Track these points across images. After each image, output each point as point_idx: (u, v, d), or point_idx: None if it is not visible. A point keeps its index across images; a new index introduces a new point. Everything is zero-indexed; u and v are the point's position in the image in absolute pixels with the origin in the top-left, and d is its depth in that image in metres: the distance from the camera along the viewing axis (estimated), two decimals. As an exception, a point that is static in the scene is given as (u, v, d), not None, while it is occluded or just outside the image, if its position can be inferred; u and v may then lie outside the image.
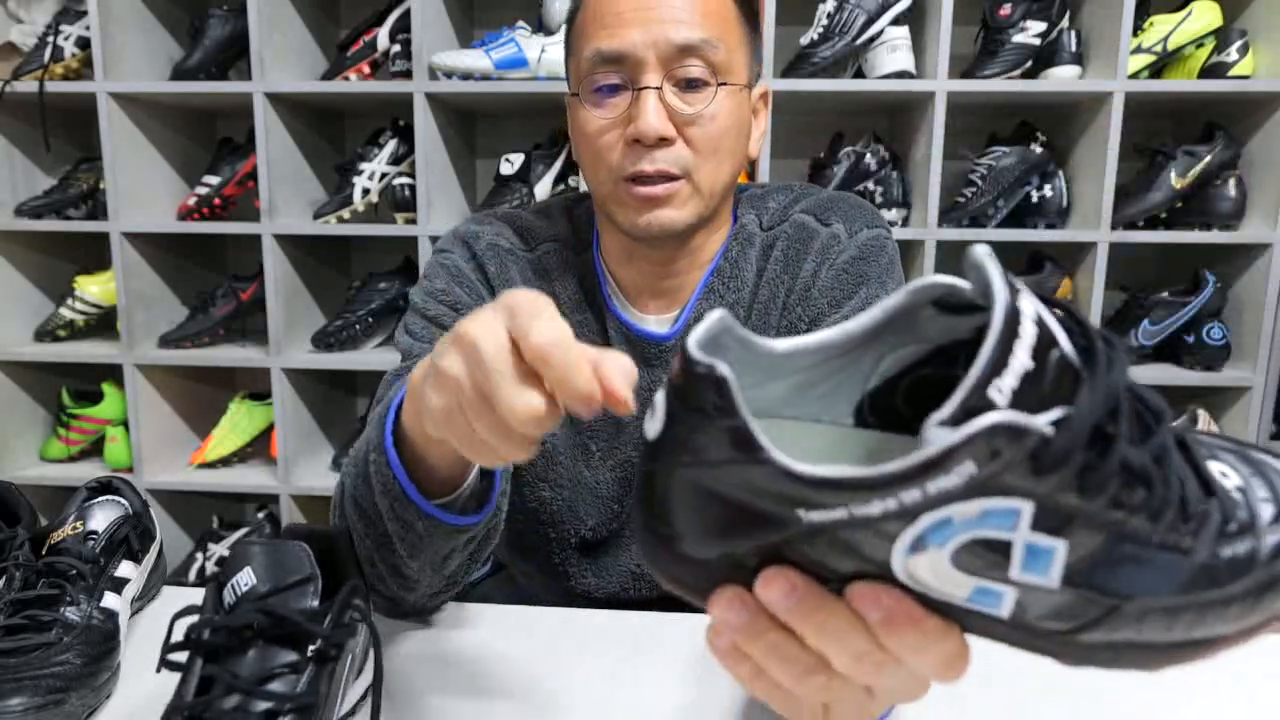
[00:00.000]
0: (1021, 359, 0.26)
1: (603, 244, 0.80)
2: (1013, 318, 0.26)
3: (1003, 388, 0.26)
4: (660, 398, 0.30)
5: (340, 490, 0.63)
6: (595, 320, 0.79)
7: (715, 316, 0.30)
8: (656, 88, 0.68)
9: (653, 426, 0.31)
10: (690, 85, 0.69)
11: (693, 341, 0.29)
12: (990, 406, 0.26)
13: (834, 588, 0.31)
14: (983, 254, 0.28)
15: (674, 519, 0.31)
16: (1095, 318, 1.64)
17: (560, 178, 1.72)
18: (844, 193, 0.82)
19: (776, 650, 0.32)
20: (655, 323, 0.79)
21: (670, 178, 0.70)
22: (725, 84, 0.70)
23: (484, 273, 0.79)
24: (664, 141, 0.69)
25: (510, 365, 0.38)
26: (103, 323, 1.93)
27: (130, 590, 0.66)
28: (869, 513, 0.28)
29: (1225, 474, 0.32)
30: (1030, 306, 0.27)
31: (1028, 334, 0.26)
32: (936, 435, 0.26)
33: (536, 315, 0.38)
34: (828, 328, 0.34)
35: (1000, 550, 0.28)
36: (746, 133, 0.75)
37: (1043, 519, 0.27)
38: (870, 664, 0.31)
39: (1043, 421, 0.26)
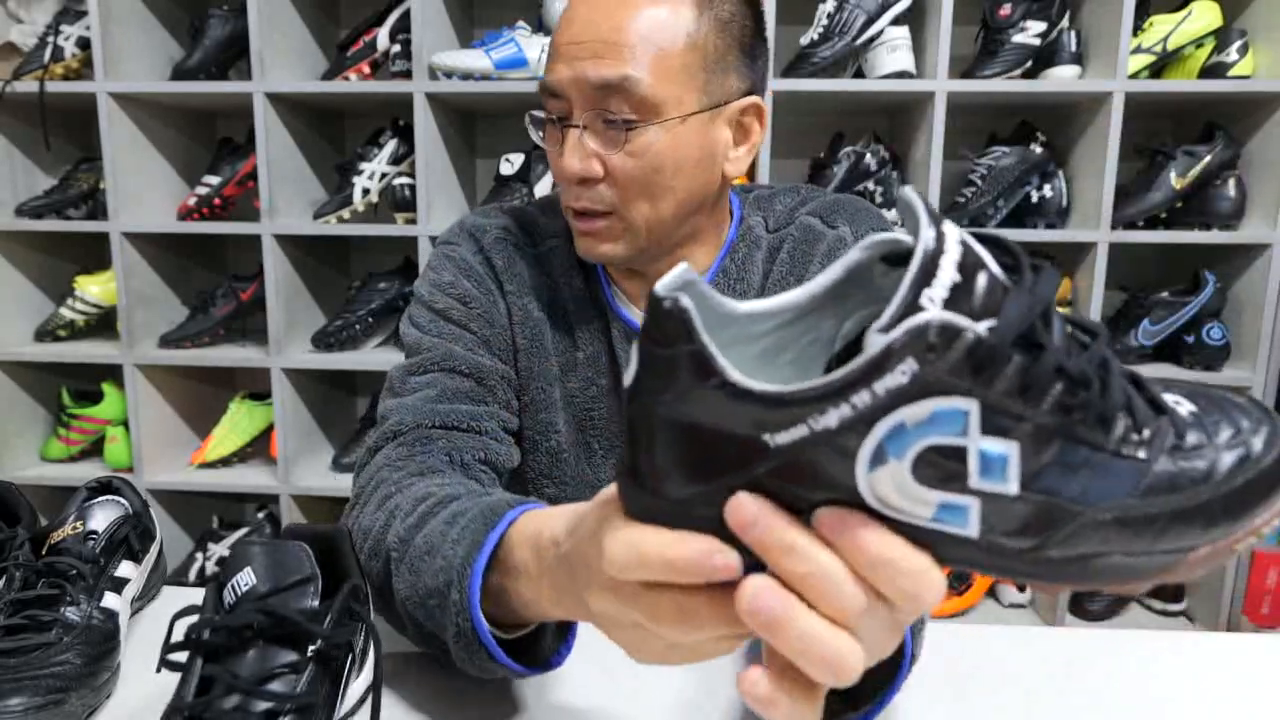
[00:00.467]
0: (949, 272, 0.28)
1: None
2: (938, 236, 0.29)
3: (934, 297, 0.28)
4: (634, 346, 0.32)
5: (374, 550, 0.60)
6: (598, 318, 0.79)
7: (681, 268, 0.32)
8: (579, 126, 0.67)
9: (629, 374, 0.32)
10: (612, 124, 0.67)
11: (660, 285, 0.31)
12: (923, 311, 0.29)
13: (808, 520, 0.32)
14: (909, 193, 0.30)
15: (655, 458, 0.32)
16: (1095, 318, 1.64)
17: (560, 178, 1.72)
18: (850, 195, 0.82)
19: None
20: None
21: (599, 214, 0.70)
22: (648, 123, 0.66)
23: (491, 266, 0.78)
24: (587, 180, 0.68)
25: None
26: (103, 323, 1.93)
27: (130, 590, 0.66)
28: (827, 424, 0.29)
29: (1179, 402, 0.34)
30: (955, 231, 0.29)
31: (953, 250, 0.29)
32: (876, 340, 0.28)
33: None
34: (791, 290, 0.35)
35: (956, 457, 0.29)
36: (697, 162, 0.70)
37: (991, 421, 0.29)
38: (841, 595, 0.31)
39: (970, 324, 0.29)
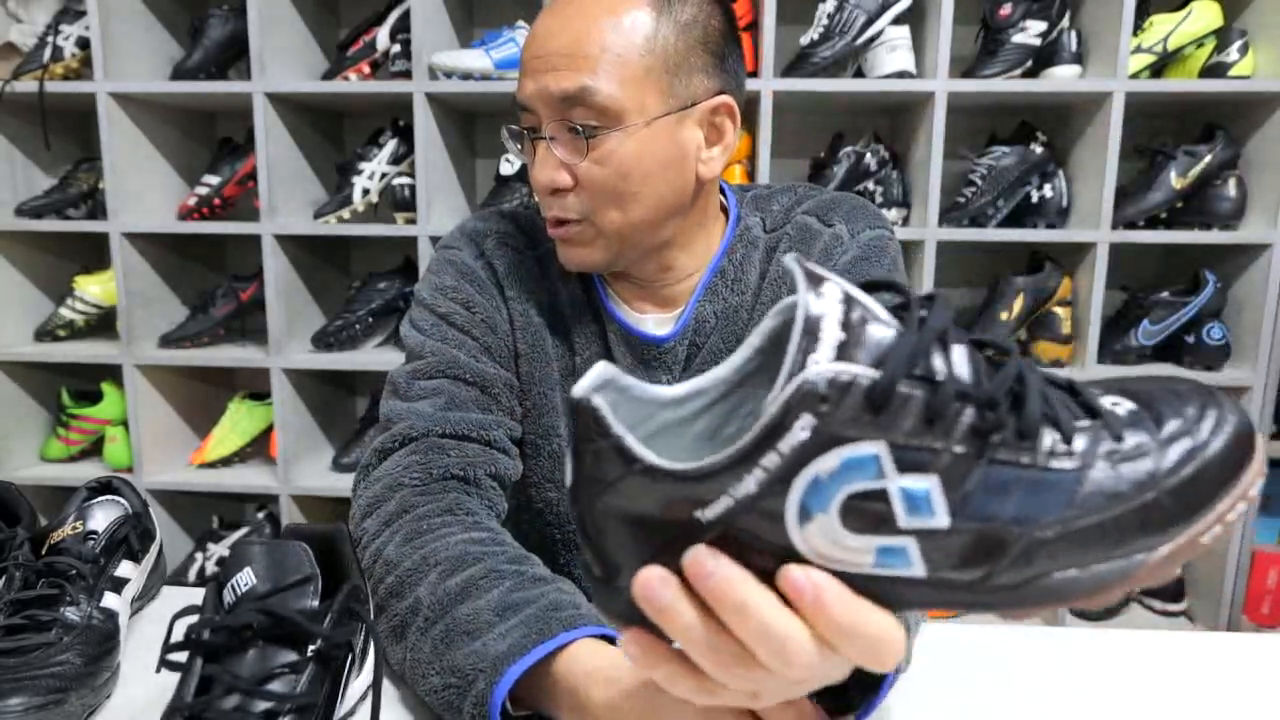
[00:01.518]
0: (832, 331, 0.30)
1: None
2: (817, 298, 0.30)
3: (819, 358, 0.29)
4: (569, 450, 0.34)
5: (396, 589, 0.60)
6: (594, 321, 0.79)
7: (599, 369, 0.33)
8: (547, 138, 0.68)
9: (567, 478, 0.34)
10: (576, 133, 0.67)
11: (577, 387, 0.32)
12: None
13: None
14: (789, 260, 0.32)
15: (607, 553, 0.33)
16: (1095, 318, 1.64)
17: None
18: (847, 193, 0.82)
19: (699, 637, 0.33)
20: (654, 323, 0.79)
21: (572, 221, 0.71)
22: (610, 130, 0.67)
23: (493, 270, 0.78)
24: (559, 190, 0.69)
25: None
26: (103, 323, 1.93)
27: (130, 590, 0.66)
28: (748, 490, 0.30)
29: (1118, 403, 0.33)
30: (836, 289, 0.31)
31: (834, 310, 0.30)
32: (770, 403, 0.30)
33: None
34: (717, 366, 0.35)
35: (881, 500, 0.30)
36: (666, 165, 0.69)
37: (903, 459, 0.30)
38: (793, 651, 0.32)
39: (859, 370, 0.29)
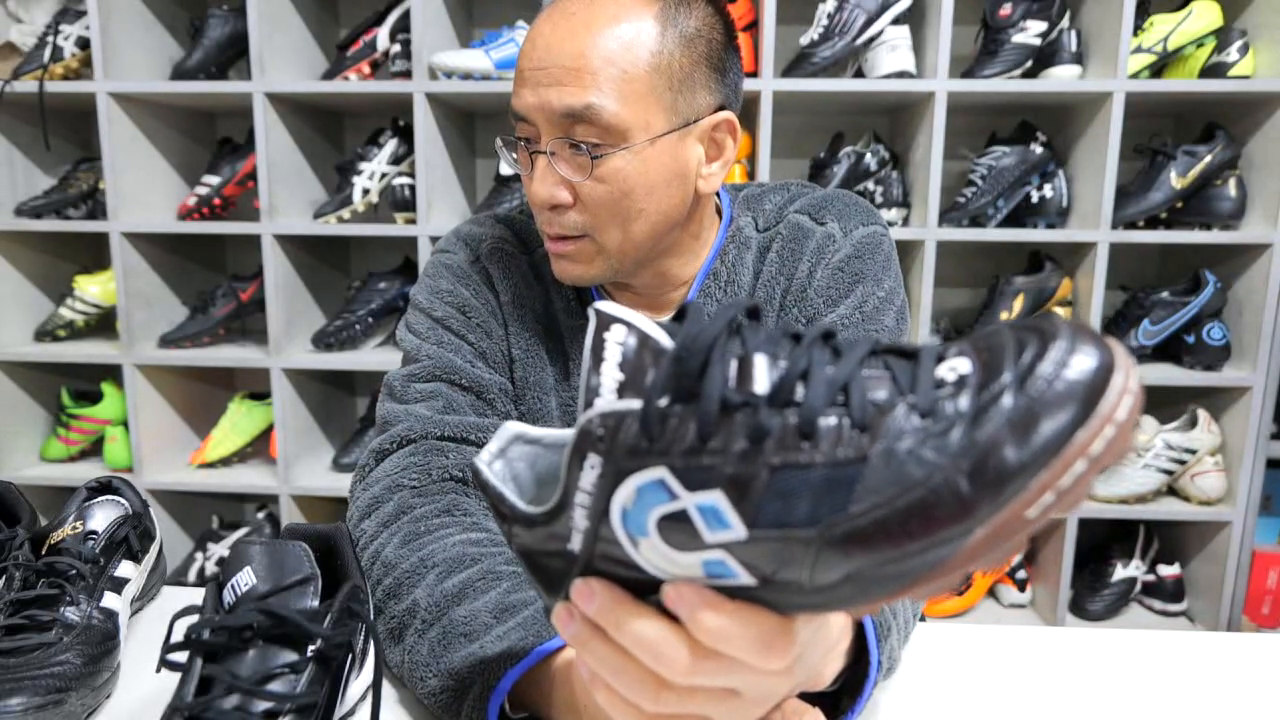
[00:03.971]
0: (611, 374, 0.32)
1: None
2: (597, 348, 0.32)
3: (600, 405, 0.32)
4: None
5: (393, 590, 0.61)
6: (587, 326, 0.78)
7: (502, 430, 0.38)
8: (548, 153, 0.66)
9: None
10: (579, 150, 0.65)
11: (478, 458, 0.37)
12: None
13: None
14: (592, 309, 0.33)
15: (536, 584, 0.38)
16: (1096, 318, 1.64)
17: (560, 178, 1.72)
18: (840, 190, 0.81)
19: (605, 661, 0.36)
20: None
21: (571, 237, 0.69)
22: (619, 148, 0.65)
23: (488, 275, 0.78)
24: (558, 206, 0.68)
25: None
26: (103, 323, 1.93)
27: (130, 590, 0.66)
28: (583, 523, 0.33)
29: (954, 368, 0.30)
30: (621, 330, 0.32)
31: (612, 355, 0.32)
32: (565, 451, 0.33)
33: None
34: None
35: (685, 519, 0.31)
36: (668, 183, 0.68)
37: (688, 478, 0.31)
38: (669, 655, 0.34)
39: (627, 404, 0.31)
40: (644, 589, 0.35)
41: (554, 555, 0.35)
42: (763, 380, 0.31)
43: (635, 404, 0.31)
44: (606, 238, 0.69)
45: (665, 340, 0.32)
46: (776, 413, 0.30)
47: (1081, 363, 0.28)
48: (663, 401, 0.31)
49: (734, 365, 0.31)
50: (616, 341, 0.32)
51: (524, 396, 0.78)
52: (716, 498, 0.30)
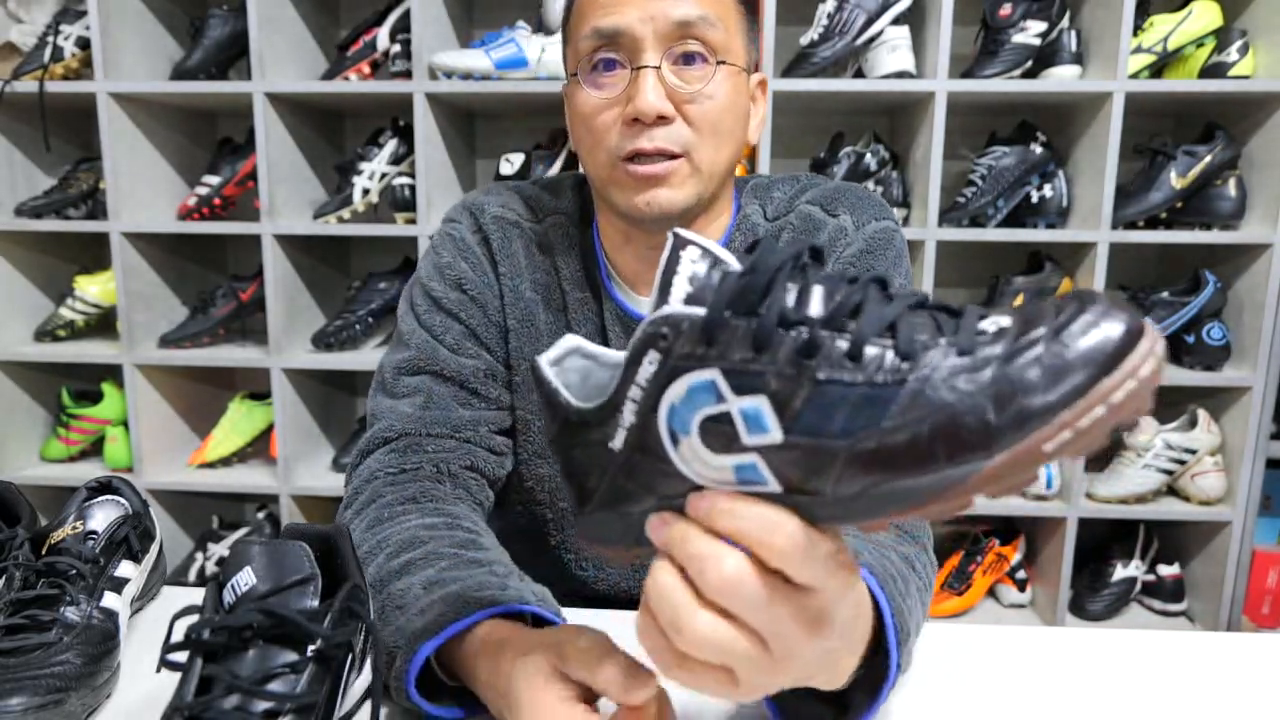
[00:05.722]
0: (681, 286, 0.35)
1: (600, 228, 0.79)
2: (671, 264, 0.35)
3: (666, 309, 0.35)
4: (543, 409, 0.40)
5: (359, 531, 0.64)
6: (594, 300, 0.78)
7: (564, 340, 0.40)
8: (654, 66, 0.66)
9: (548, 432, 0.40)
10: (689, 63, 0.67)
11: (541, 356, 0.40)
12: None
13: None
14: (671, 232, 0.36)
15: (585, 494, 0.39)
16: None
17: (560, 178, 1.72)
18: (851, 183, 0.81)
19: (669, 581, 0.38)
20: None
21: (669, 155, 0.68)
22: (724, 63, 0.68)
23: (488, 244, 0.79)
24: (663, 120, 0.67)
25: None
26: (103, 323, 1.93)
27: (130, 590, 0.66)
28: (630, 420, 0.36)
29: (995, 323, 0.33)
30: (695, 250, 0.36)
31: (687, 269, 0.35)
32: (628, 347, 0.36)
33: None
34: None
35: (727, 421, 0.34)
36: (745, 116, 0.73)
37: (737, 382, 0.34)
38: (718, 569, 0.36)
39: (693, 309, 0.34)
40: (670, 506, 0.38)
41: (595, 449, 0.38)
42: (819, 307, 0.34)
43: (700, 310, 0.34)
44: (702, 156, 0.69)
45: (735, 263, 0.35)
46: (829, 335, 0.33)
47: (1112, 326, 0.31)
48: (726, 314, 0.34)
49: (794, 291, 0.34)
50: (690, 260, 0.35)
51: (518, 367, 0.79)
52: (760, 402, 0.34)
